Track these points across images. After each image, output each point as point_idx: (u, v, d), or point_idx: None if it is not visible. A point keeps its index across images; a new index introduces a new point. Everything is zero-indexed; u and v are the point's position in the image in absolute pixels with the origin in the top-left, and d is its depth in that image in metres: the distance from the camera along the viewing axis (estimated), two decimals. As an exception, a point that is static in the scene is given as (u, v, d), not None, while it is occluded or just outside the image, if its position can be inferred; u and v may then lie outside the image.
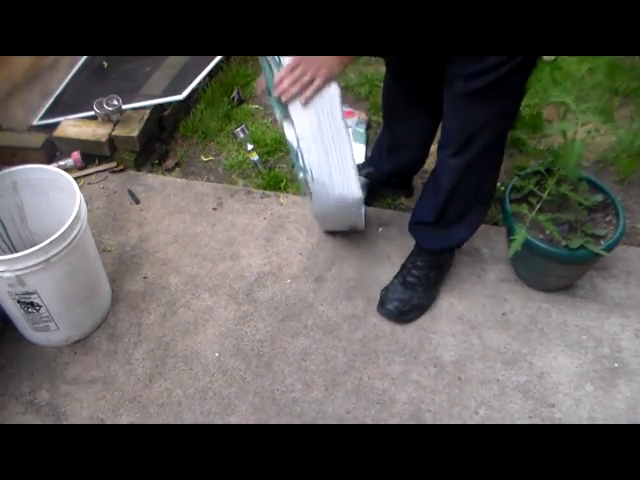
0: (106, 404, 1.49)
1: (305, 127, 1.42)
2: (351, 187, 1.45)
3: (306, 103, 1.40)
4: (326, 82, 1.40)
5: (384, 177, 1.87)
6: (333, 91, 1.40)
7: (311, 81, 1.39)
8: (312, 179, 1.41)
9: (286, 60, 1.42)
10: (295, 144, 1.43)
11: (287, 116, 1.42)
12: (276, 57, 1.43)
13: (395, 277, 1.63)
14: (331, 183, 1.44)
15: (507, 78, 1.22)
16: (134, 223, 1.90)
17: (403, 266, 1.63)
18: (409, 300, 1.57)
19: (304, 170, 1.43)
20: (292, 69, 1.40)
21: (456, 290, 1.67)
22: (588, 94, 2.14)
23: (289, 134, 1.45)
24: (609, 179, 1.92)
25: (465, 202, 1.51)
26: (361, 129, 2.13)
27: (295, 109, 1.41)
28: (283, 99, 1.40)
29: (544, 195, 1.52)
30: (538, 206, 1.52)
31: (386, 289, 1.62)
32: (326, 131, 1.41)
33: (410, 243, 1.76)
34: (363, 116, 2.18)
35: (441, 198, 1.49)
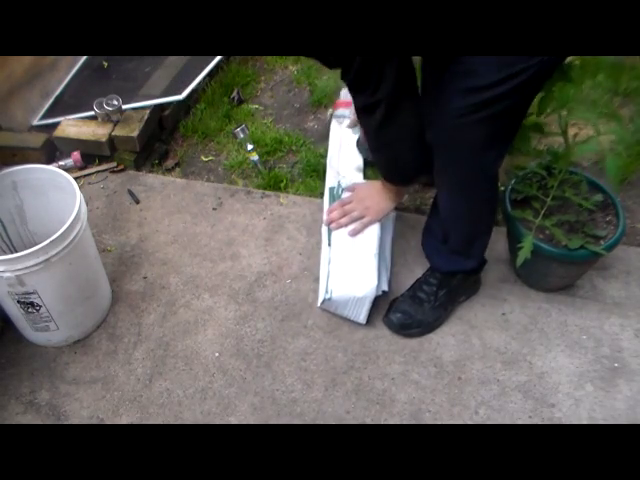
0: (106, 404, 1.49)
1: (339, 254, 1.61)
2: (361, 315, 1.57)
3: (353, 235, 1.62)
4: (373, 220, 1.62)
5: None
6: (373, 228, 1.62)
7: (360, 217, 1.62)
8: (330, 298, 1.55)
9: (344, 195, 1.70)
10: (327, 265, 1.60)
11: (330, 244, 1.64)
12: (339, 190, 1.73)
13: (407, 290, 1.62)
14: (344, 306, 1.57)
15: (498, 101, 1.19)
16: (134, 223, 1.91)
17: (417, 280, 1.62)
18: (413, 314, 1.56)
19: (326, 289, 1.56)
20: (344, 203, 1.66)
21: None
22: (588, 94, 2.14)
23: (325, 255, 1.64)
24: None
25: (466, 233, 1.50)
26: None
27: (337, 236, 1.64)
28: (331, 227, 1.65)
29: (548, 200, 1.51)
30: (543, 211, 1.51)
31: (395, 299, 1.62)
32: (357, 263, 1.57)
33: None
34: None
35: (443, 220, 1.50)
